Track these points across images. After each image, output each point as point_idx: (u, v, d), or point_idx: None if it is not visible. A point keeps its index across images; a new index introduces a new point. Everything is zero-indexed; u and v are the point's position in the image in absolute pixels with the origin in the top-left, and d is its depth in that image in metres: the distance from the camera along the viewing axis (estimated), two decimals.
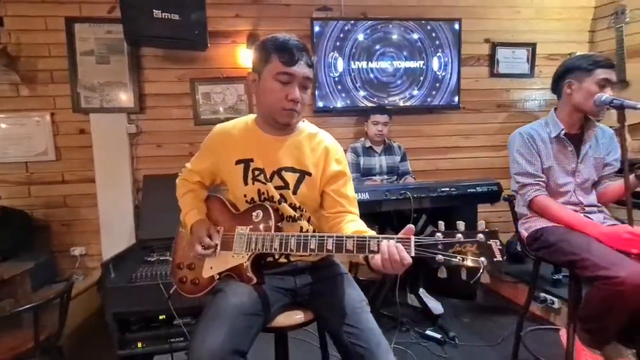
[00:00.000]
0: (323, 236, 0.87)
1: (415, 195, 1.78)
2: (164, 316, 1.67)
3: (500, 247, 0.68)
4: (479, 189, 1.88)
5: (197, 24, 2.14)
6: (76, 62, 2.29)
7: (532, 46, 2.76)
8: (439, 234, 0.72)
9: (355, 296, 0.98)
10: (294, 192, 1.02)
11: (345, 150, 2.32)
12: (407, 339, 1.82)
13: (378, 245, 0.79)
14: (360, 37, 2.55)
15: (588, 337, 1.28)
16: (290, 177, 1.01)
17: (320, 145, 1.04)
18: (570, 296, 1.38)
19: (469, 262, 0.69)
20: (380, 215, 1.89)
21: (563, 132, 1.42)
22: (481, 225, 0.73)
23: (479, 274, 0.68)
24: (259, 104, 1.03)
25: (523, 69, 2.78)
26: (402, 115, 2.65)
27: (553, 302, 1.94)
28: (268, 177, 1.01)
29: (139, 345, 1.67)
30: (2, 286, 1.72)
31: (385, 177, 2.38)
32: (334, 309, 0.94)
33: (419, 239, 0.74)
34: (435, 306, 2.05)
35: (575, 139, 1.44)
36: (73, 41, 2.27)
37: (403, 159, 2.44)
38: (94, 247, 2.41)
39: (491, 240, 0.69)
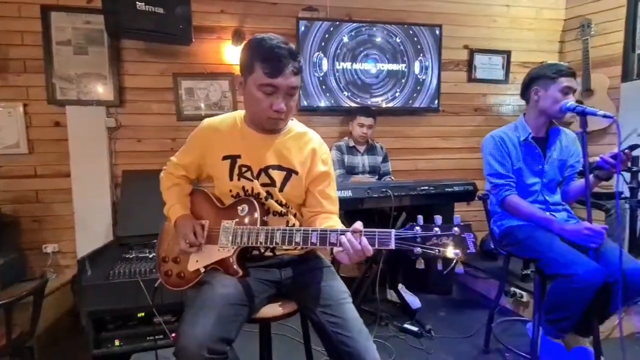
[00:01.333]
0: (308, 230, 0.90)
1: (395, 194, 1.84)
2: (142, 314, 1.64)
3: (473, 240, 0.74)
4: (455, 189, 1.96)
5: (181, 18, 2.12)
6: (52, 52, 2.20)
7: (507, 54, 2.90)
8: (417, 228, 0.76)
9: (338, 288, 1.02)
10: (281, 190, 1.04)
11: (330, 149, 2.36)
12: (386, 333, 1.88)
13: (337, 238, 0.84)
14: (345, 38, 2.59)
15: (550, 327, 1.38)
16: (277, 175, 1.03)
17: (308, 145, 1.06)
18: (535, 290, 1.48)
19: (444, 254, 0.74)
20: (362, 213, 1.93)
21: (531, 135, 1.53)
22: (457, 219, 0.78)
23: (454, 265, 0.73)
24: (246, 107, 1.04)
25: (499, 75, 2.92)
26: (384, 116, 2.71)
27: (522, 296, 2.06)
28: (255, 174, 1.02)
29: (116, 343, 1.64)
30: None
31: (368, 176, 2.43)
32: (318, 300, 0.97)
33: (399, 232, 0.79)
34: (413, 301, 2.12)
35: (541, 142, 1.55)
36: (49, 30, 2.18)
37: (385, 160, 2.50)
38: (67, 244, 2.33)
39: (465, 234, 0.74)
